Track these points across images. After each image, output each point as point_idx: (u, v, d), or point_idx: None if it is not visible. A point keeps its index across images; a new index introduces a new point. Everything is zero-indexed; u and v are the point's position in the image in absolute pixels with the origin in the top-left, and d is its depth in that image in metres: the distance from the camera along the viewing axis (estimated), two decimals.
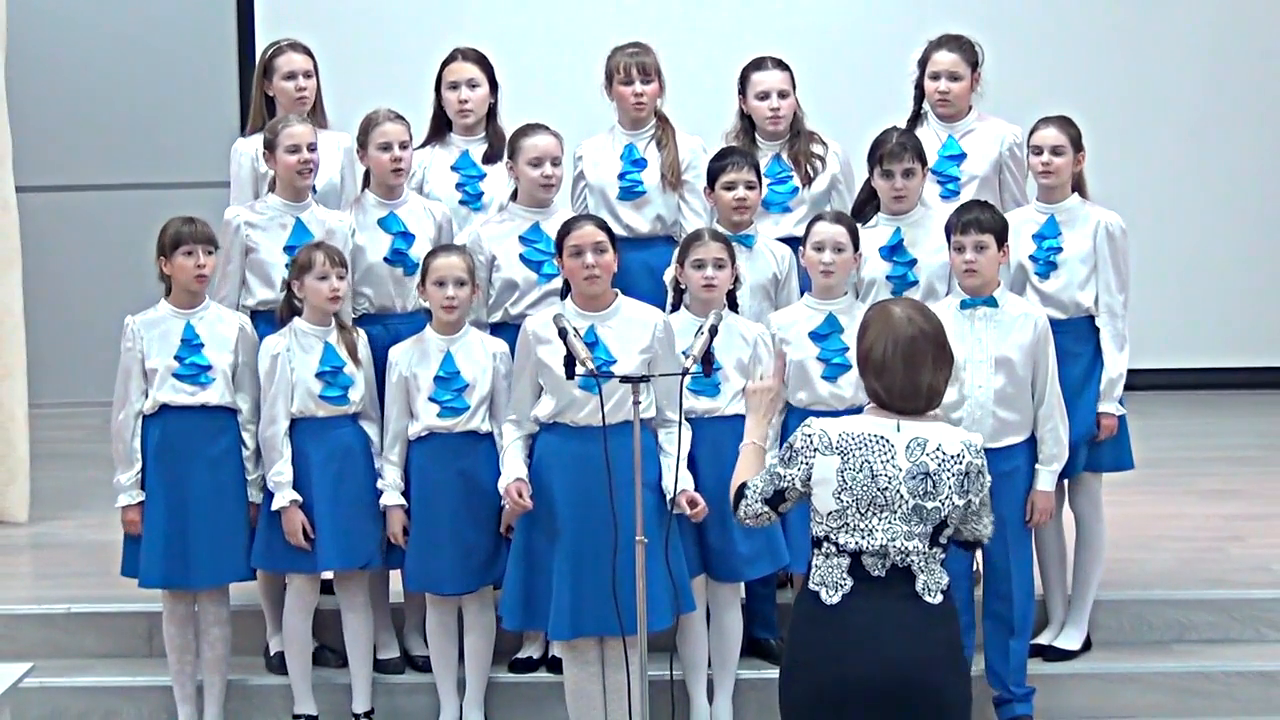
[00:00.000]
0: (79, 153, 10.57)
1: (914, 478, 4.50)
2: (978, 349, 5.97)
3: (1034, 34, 10.07)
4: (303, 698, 6.26)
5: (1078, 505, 6.43)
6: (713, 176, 6.26)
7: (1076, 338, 6.27)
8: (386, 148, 6.29)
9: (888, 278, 6.25)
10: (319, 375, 6.08)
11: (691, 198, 6.52)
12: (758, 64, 6.57)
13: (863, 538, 4.50)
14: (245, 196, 6.53)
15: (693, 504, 5.79)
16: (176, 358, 6.07)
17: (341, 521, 6.08)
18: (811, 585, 4.55)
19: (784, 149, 6.55)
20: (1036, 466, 6.03)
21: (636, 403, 5.32)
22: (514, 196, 6.39)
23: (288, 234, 6.28)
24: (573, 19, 10.06)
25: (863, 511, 4.49)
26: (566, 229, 5.85)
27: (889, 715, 4.46)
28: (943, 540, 4.54)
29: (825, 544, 4.54)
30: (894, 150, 6.21)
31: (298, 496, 6.06)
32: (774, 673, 4.89)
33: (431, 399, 6.06)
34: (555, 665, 6.23)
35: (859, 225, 6.19)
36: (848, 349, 5.89)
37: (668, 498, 5.77)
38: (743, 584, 6.17)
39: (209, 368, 6.08)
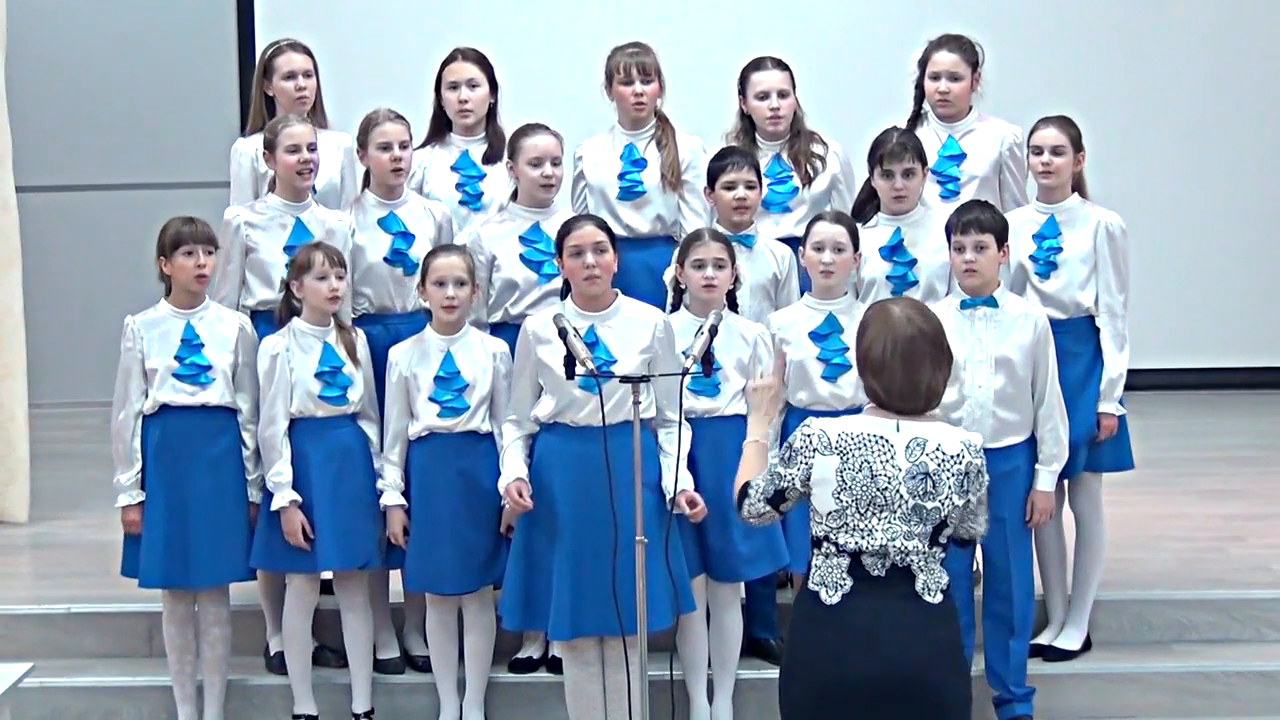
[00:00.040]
0: (79, 153, 10.57)
1: (913, 478, 4.50)
2: (978, 349, 5.97)
3: (1034, 34, 10.07)
4: (303, 698, 6.26)
5: (1078, 505, 6.43)
6: (713, 176, 6.26)
7: (1076, 338, 6.27)
8: (386, 148, 6.29)
9: (888, 278, 6.25)
10: (318, 375, 6.08)
11: (691, 198, 6.52)
12: (757, 64, 6.57)
13: (862, 538, 4.50)
14: (245, 196, 6.53)
15: (692, 504, 5.79)
16: (176, 358, 6.07)
17: (341, 521, 6.08)
18: (811, 585, 4.55)
19: (784, 149, 6.55)
20: (1036, 466, 6.03)
21: (636, 403, 5.32)
22: (514, 196, 6.39)
23: (288, 234, 6.28)
24: (573, 19, 10.06)
25: (862, 511, 4.49)
26: (566, 229, 5.86)
27: (889, 715, 4.46)
28: (942, 540, 4.54)
29: (825, 544, 4.54)
30: (894, 150, 6.22)
31: (297, 497, 6.06)
32: (774, 673, 4.89)
33: (432, 399, 6.06)
34: (555, 665, 6.23)
35: (859, 225, 6.19)
36: (848, 349, 5.89)
37: (667, 498, 5.77)
38: (743, 584, 6.17)
39: (209, 368, 6.08)
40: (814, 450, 4.54)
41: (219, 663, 6.23)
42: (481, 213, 6.55)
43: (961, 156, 6.51)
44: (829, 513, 4.52)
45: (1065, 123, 6.28)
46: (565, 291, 5.93)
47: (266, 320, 6.23)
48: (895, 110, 6.63)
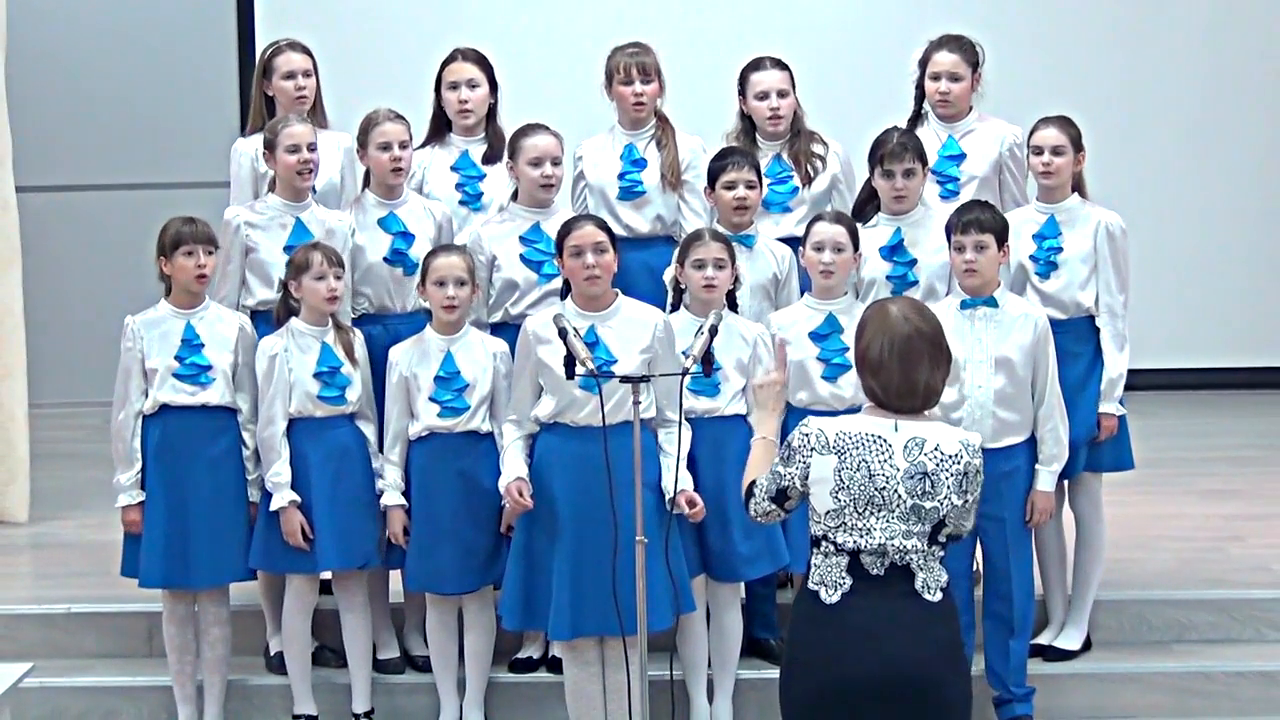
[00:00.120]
0: (79, 153, 10.58)
1: (912, 477, 4.49)
2: (978, 349, 5.97)
3: (1034, 34, 10.07)
4: (302, 698, 6.26)
5: (1078, 505, 6.43)
6: (713, 176, 6.26)
7: (1077, 338, 6.27)
8: (386, 147, 6.29)
9: (888, 278, 6.25)
10: (316, 375, 6.08)
11: (691, 198, 6.52)
12: (757, 64, 6.57)
13: (860, 537, 4.49)
14: (245, 196, 6.54)
15: (691, 504, 5.79)
16: (177, 358, 6.07)
17: (340, 521, 6.08)
18: (811, 584, 4.55)
19: (784, 149, 6.55)
20: (1036, 467, 6.03)
21: (636, 403, 5.32)
22: (514, 196, 6.39)
23: (288, 234, 6.28)
24: (573, 19, 10.06)
25: (860, 511, 4.49)
26: (567, 229, 5.86)
27: (890, 713, 4.46)
28: (941, 539, 4.54)
29: (824, 543, 4.53)
30: (895, 150, 6.22)
31: (296, 497, 6.06)
32: (774, 673, 4.90)
33: (432, 399, 6.06)
34: (555, 665, 6.23)
35: (859, 225, 6.19)
36: (848, 349, 5.88)
37: (667, 498, 5.77)
38: (743, 584, 6.17)
39: (209, 368, 6.08)
40: (811, 450, 4.54)
41: (219, 663, 6.23)
42: (481, 213, 6.55)
43: (961, 157, 6.51)
44: (827, 512, 4.52)
45: (1065, 123, 6.29)
46: (565, 291, 5.93)
47: (266, 320, 6.23)
48: (895, 110, 6.64)
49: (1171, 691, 6.35)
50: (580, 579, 5.74)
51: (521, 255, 6.29)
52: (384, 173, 6.33)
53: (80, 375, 9.96)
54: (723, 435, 5.93)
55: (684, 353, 5.64)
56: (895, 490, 4.48)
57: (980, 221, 5.95)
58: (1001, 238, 5.98)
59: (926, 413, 4.56)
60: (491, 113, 6.64)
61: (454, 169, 6.60)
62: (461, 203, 6.58)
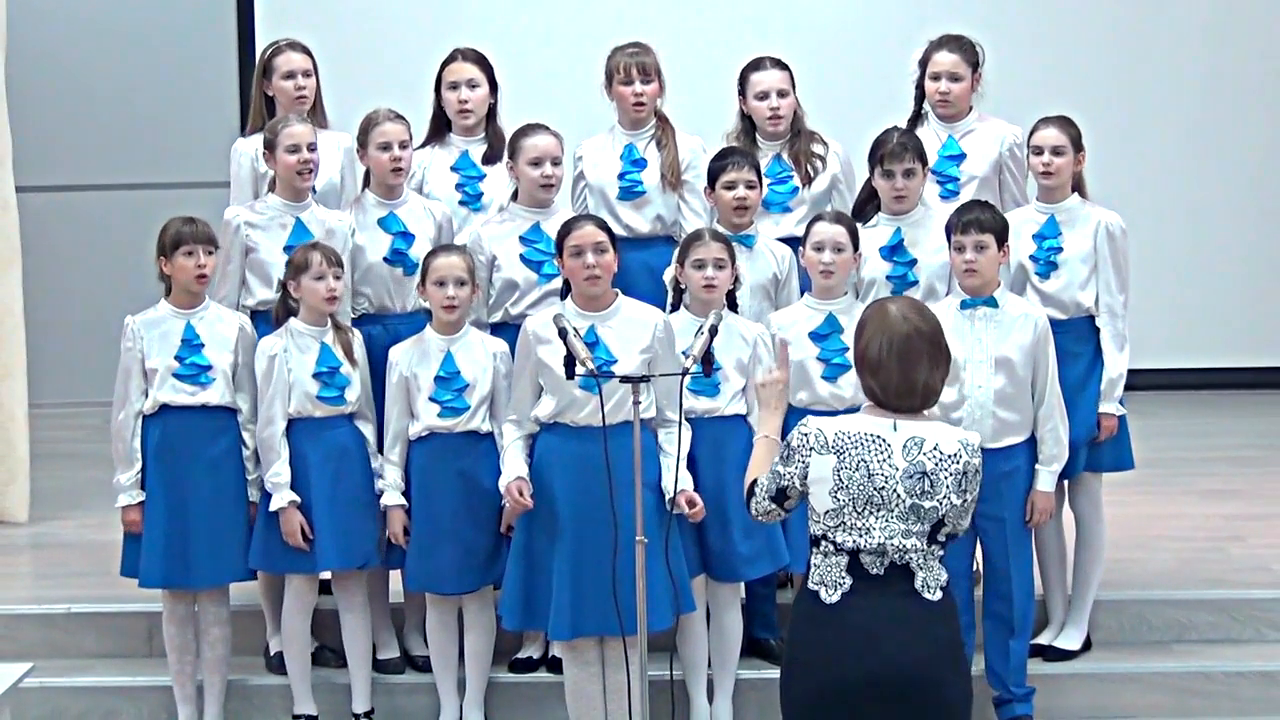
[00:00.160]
0: (79, 153, 10.58)
1: (911, 477, 4.49)
2: (978, 349, 5.97)
3: (1034, 34, 10.07)
4: (302, 698, 6.26)
5: (1078, 505, 6.43)
6: (713, 176, 6.26)
7: (1077, 338, 6.27)
8: (386, 147, 6.29)
9: (888, 278, 6.25)
10: (316, 376, 6.08)
11: (691, 198, 6.52)
12: (757, 64, 6.57)
13: (860, 537, 4.49)
14: (245, 196, 6.54)
15: (691, 504, 5.79)
16: (177, 358, 6.07)
17: (339, 521, 6.08)
18: (811, 584, 4.55)
19: (784, 149, 6.55)
20: (1036, 467, 6.03)
21: (636, 403, 5.32)
22: (514, 196, 6.39)
23: (288, 234, 6.28)
24: (573, 19, 10.06)
25: (859, 511, 4.49)
26: (567, 229, 5.86)
27: (890, 713, 4.46)
28: (940, 538, 4.54)
29: (823, 543, 4.53)
30: (895, 150, 6.22)
31: (296, 497, 6.06)
32: (774, 673, 4.90)
33: (432, 399, 6.06)
34: (555, 665, 6.23)
35: (859, 225, 6.19)
36: (848, 349, 5.88)
37: (667, 498, 5.77)
38: (743, 584, 6.17)
39: (209, 368, 6.08)
40: (810, 449, 4.54)
41: (219, 663, 6.23)
42: (481, 213, 6.55)
43: (961, 157, 6.51)
44: (826, 511, 4.52)
45: (1065, 123, 6.29)
46: (565, 291, 5.93)
47: (266, 320, 6.22)
48: (895, 110, 6.64)
49: (1171, 691, 6.35)
50: (580, 579, 5.74)
51: (521, 255, 6.29)
52: (384, 173, 6.33)
53: (80, 375, 9.96)
54: (723, 435, 5.93)
55: (684, 353, 5.64)
56: (894, 490, 4.48)
57: (980, 221, 5.95)
58: (1001, 238, 5.98)
59: (925, 412, 4.57)
60: (491, 113, 6.64)
61: (454, 169, 6.60)
62: (461, 203, 6.58)
